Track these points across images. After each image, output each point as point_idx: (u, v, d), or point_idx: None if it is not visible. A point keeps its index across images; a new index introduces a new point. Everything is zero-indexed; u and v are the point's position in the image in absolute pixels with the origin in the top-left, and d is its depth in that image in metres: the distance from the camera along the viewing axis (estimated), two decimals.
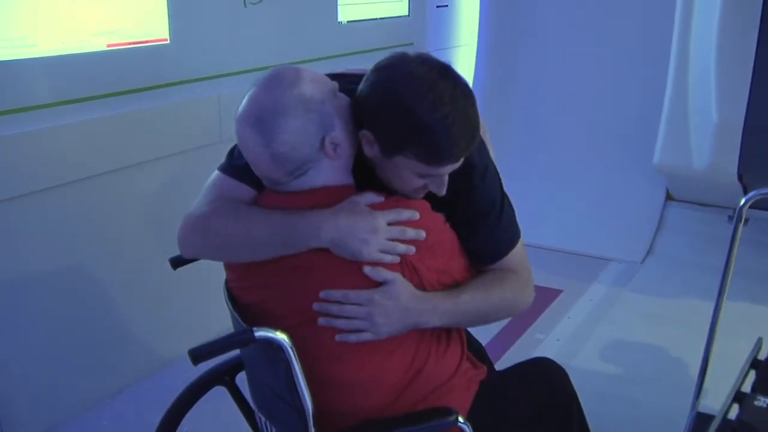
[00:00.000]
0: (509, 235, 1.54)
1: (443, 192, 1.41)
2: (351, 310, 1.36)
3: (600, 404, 2.49)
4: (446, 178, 1.39)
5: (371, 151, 1.39)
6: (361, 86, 1.39)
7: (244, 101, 1.36)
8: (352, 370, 1.41)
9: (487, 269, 1.52)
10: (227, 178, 1.47)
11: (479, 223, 1.49)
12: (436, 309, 1.41)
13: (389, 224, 1.35)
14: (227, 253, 1.46)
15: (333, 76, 1.44)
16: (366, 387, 1.42)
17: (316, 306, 1.37)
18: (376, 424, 1.40)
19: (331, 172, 1.39)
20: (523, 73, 4.51)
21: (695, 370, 2.22)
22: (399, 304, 1.36)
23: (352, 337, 1.38)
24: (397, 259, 1.36)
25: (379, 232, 1.34)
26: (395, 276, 1.37)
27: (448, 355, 1.50)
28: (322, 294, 1.36)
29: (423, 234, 1.38)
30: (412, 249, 1.37)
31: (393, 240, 1.35)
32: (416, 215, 1.38)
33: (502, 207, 1.52)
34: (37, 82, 2.29)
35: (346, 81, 1.43)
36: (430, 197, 1.44)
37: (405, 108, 1.30)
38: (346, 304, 1.36)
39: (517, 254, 1.53)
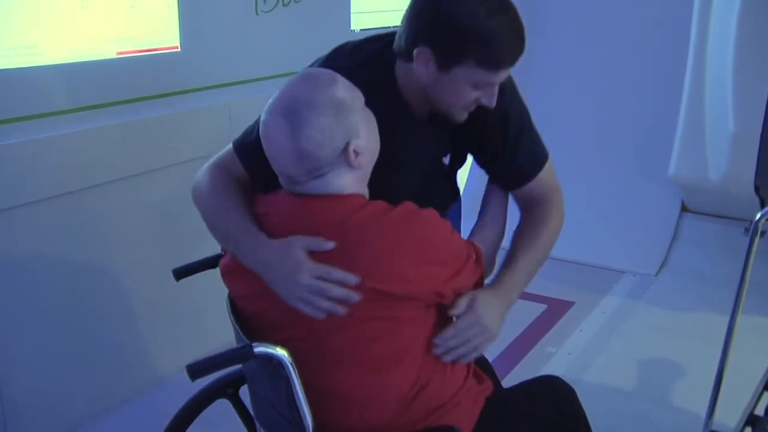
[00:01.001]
0: (542, 149, 1.69)
1: (494, 103, 1.48)
2: (469, 334, 1.44)
3: (610, 421, 2.47)
4: (497, 88, 1.47)
5: (426, 70, 1.44)
6: (409, 8, 1.46)
7: (276, 94, 1.38)
8: (356, 380, 1.39)
9: (528, 211, 1.67)
10: (231, 152, 1.57)
11: (517, 141, 1.63)
12: (511, 290, 1.54)
13: (319, 278, 1.31)
14: (208, 226, 1.54)
15: (370, 40, 1.57)
16: (371, 399, 1.40)
17: (439, 351, 1.42)
18: None
19: (349, 179, 1.38)
20: (536, 82, 4.46)
21: (709, 386, 2.18)
22: (492, 309, 1.47)
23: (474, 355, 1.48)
24: (320, 314, 1.32)
25: (301, 283, 1.31)
26: (469, 296, 1.45)
27: (456, 370, 1.48)
28: (436, 342, 1.41)
29: (354, 297, 1.31)
30: (341, 311, 1.32)
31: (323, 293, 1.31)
32: (351, 279, 1.31)
33: (531, 123, 1.68)
34: (48, 90, 2.29)
35: (383, 43, 1.53)
36: (464, 132, 1.59)
37: (463, 19, 1.38)
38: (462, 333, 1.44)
39: (550, 169, 1.70)
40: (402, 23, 1.47)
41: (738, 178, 3.50)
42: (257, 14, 2.94)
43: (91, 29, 2.37)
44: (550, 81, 4.45)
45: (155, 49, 2.58)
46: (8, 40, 2.15)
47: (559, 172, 4.99)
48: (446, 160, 1.69)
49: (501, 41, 1.40)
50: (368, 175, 1.43)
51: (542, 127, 4.99)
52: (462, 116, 1.51)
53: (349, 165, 1.36)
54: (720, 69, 3.49)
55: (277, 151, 1.36)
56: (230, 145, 1.59)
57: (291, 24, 3.13)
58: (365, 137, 1.38)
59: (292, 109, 1.33)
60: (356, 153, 1.36)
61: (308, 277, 1.31)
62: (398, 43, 1.47)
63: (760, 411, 1.78)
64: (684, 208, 4.13)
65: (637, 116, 4.20)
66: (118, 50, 2.46)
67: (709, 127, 3.64)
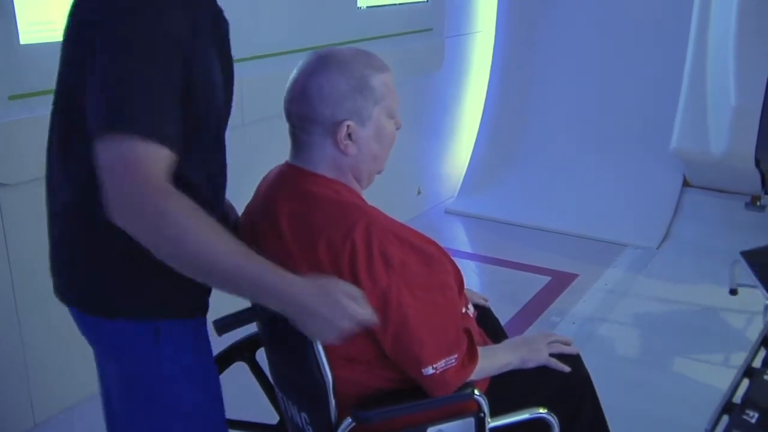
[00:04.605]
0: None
1: None
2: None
3: (613, 387, 2.52)
4: None
5: None
6: None
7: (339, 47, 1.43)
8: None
9: None
10: (158, 152, 1.14)
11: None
12: None
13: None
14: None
15: None
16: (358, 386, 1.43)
17: None
18: (392, 395, 1.43)
19: (329, 159, 1.39)
20: (541, 59, 4.51)
21: (709, 356, 2.22)
22: None
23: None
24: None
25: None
26: None
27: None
28: None
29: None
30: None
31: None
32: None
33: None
34: None
35: None
36: None
37: None
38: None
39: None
40: None
41: (739, 153, 3.55)
42: None
43: None
44: (553, 57, 4.48)
45: None
46: (29, 16, 2.19)
47: (563, 148, 4.98)
48: None
49: None
50: (360, 171, 1.42)
51: (546, 104, 5.00)
52: None
53: (336, 143, 1.37)
54: (722, 44, 3.52)
55: (293, 80, 1.40)
56: (150, 147, 1.13)
57: (299, 1, 3.16)
58: (370, 134, 1.39)
59: (329, 60, 1.37)
60: (349, 136, 1.37)
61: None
62: None
63: (757, 364, 1.83)
64: (686, 183, 4.18)
65: (639, 91, 4.24)
66: None
67: (711, 101, 3.68)
